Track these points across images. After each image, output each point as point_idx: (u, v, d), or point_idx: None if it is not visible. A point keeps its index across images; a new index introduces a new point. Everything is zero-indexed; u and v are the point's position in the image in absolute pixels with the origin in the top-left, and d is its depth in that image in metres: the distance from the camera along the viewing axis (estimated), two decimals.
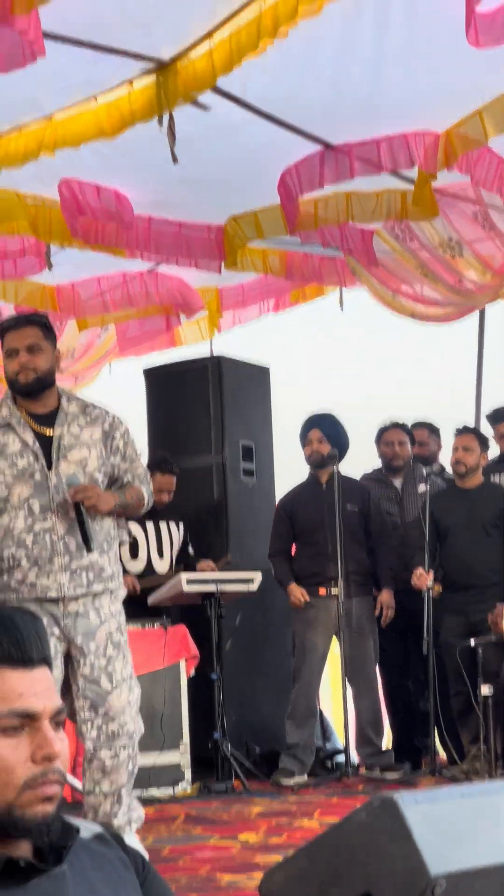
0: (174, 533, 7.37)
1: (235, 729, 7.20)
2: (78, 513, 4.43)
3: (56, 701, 1.68)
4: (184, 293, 8.02)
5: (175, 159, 4.89)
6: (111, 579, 4.59)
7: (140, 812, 4.68)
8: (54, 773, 1.64)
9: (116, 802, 4.52)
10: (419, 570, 6.84)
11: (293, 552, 7.37)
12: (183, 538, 7.42)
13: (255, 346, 9.12)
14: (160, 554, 7.29)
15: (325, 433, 7.30)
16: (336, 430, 7.38)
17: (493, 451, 7.55)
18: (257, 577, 7.09)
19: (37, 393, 4.58)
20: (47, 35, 4.12)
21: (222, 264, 7.04)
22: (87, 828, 1.77)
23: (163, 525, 7.31)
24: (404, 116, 5.42)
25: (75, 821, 1.74)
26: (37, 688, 1.66)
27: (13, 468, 4.50)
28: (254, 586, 7.08)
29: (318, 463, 7.21)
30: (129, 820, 4.58)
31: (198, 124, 5.32)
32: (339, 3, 4.23)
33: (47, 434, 4.57)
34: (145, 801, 6.30)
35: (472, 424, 8.33)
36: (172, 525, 7.38)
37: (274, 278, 8.27)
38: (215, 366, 8.06)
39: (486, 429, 7.70)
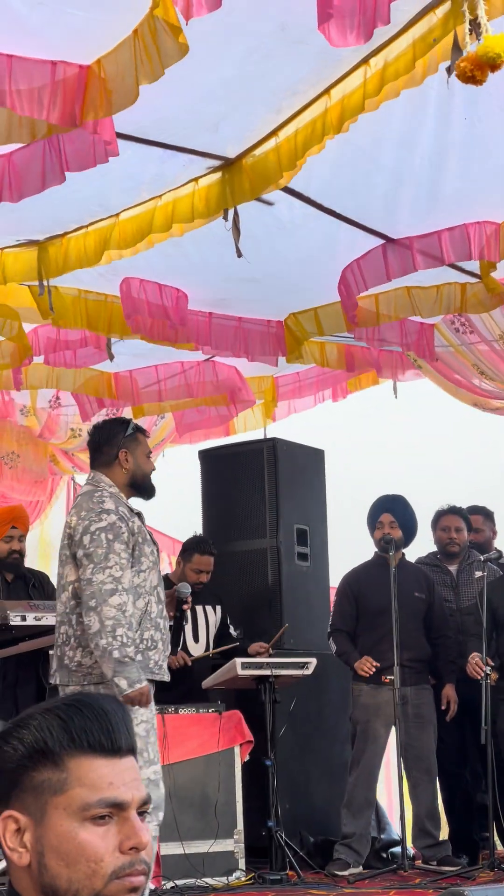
0: (210, 616, 7.39)
1: (289, 817, 7.14)
2: (178, 618, 4.98)
3: (143, 791, 1.70)
4: (236, 385, 8.10)
5: (240, 254, 4.97)
6: None
7: None
8: (141, 864, 1.66)
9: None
10: (475, 658, 6.80)
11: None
12: (221, 620, 7.44)
13: (308, 429, 9.18)
14: (195, 638, 7.30)
15: (397, 517, 7.30)
16: (407, 513, 7.38)
17: None
18: (312, 661, 7.06)
19: (152, 497, 5.13)
20: (117, 134, 4.24)
21: (280, 357, 7.12)
22: None
23: (199, 609, 7.32)
24: (464, 208, 5.49)
25: None
26: (125, 777, 1.68)
27: (152, 555, 4.93)
28: (309, 670, 7.06)
29: (387, 547, 7.17)
30: None
31: (259, 221, 5.42)
32: (402, 95, 4.31)
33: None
34: (200, 890, 6.28)
35: None
36: (209, 609, 7.40)
37: (330, 368, 8.36)
38: (270, 448, 8.09)
39: None
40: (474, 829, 7.35)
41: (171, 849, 6.41)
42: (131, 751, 1.71)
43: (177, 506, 10.40)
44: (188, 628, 7.26)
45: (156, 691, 7.11)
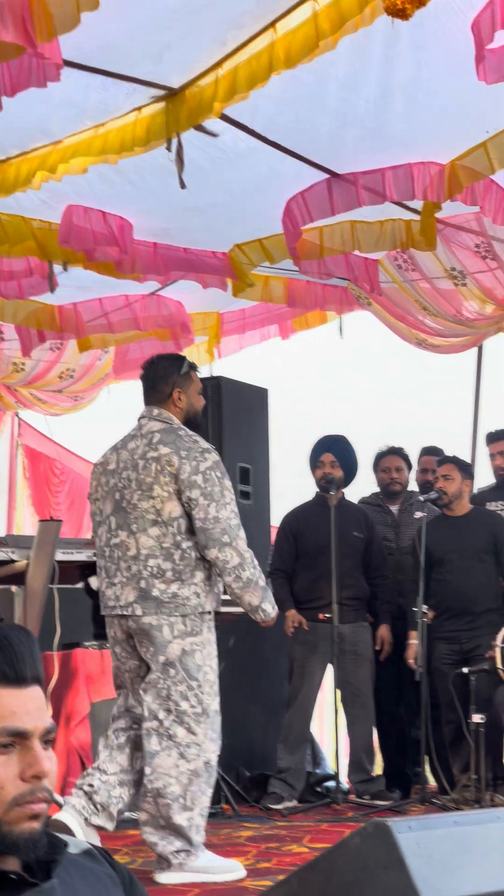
0: None
1: (226, 752, 7.14)
2: None
3: (47, 720, 1.71)
4: (182, 320, 8.07)
5: (183, 185, 4.93)
6: None
7: None
8: (42, 792, 1.69)
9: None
10: (412, 643, 6.89)
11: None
12: None
13: (253, 370, 9.17)
14: None
15: (338, 456, 7.33)
16: (347, 453, 7.41)
17: (489, 479, 7.60)
18: None
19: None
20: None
21: (231, 288, 7.08)
22: (76, 844, 1.80)
23: None
24: (409, 148, 5.48)
25: (64, 836, 1.77)
26: (29, 706, 1.70)
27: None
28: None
29: (328, 486, 7.21)
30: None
31: (205, 152, 5.38)
32: (347, 36, 4.28)
33: None
34: (134, 823, 6.32)
35: (468, 451, 8.39)
36: None
37: (276, 304, 8.33)
38: (215, 386, 8.05)
39: (484, 455, 7.75)
40: (407, 765, 7.46)
41: None
42: (37, 680, 1.72)
43: None
44: None
45: (98, 629, 7.19)
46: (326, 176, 5.73)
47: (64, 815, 4.81)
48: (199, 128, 4.99)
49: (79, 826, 4.79)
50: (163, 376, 5.17)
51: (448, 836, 2.98)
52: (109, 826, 4.90)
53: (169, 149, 4.92)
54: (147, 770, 4.86)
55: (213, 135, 5.14)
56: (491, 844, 3.06)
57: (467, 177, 5.24)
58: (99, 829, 4.89)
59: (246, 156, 5.49)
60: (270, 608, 5.04)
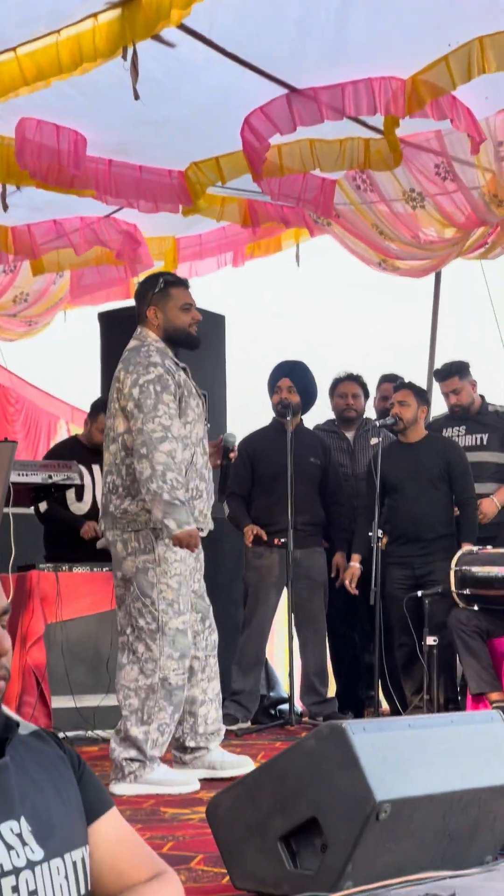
0: None
1: None
2: (226, 466, 5.17)
3: (3, 601, 1.70)
4: (137, 244, 7.97)
5: (137, 95, 4.84)
6: None
7: None
8: (2, 669, 1.67)
9: (219, 707, 5.17)
10: (352, 566, 6.99)
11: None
12: None
13: (210, 297, 9.11)
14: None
15: (295, 382, 7.30)
16: (306, 379, 7.39)
17: (445, 407, 7.61)
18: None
19: (196, 348, 5.26)
20: None
21: (182, 210, 7.00)
22: (25, 726, 1.79)
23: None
24: (370, 61, 5.40)
25: (14, 716, 1.76)
26: None
27: (197, 408, 5.08)
28: (203, 533, 7.06)
29: (284, 412, 7.18)
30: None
31: (162, 63, 5.28)
32: None
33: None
34: (90, 741, 6.36)
35: (425, 378, 8.39)
36: None
37: (232, 230, 8.25)
38: None
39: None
40: (360, 688, 7.52)
41: (63, 702, 6.47)
42: None
43: (77, 369, 10.32)
44: (98, 486, 7.24)
45: (54, 550, 7.17)
46: (285, 91, 5.64)
47: None
48: (156, 37, 4.90)
49: None
50: (141, 295, 5.27)
51: (402, 739, 3.01)
52: None
53: (125, 58, 4.82)
54: (116, 682, 5.03)
55: (171, 45, 5.05)
56: (443, 747, 3.09)
57: (428, 92, 5.19)
58: None
59: (203, 68, 5.40)
60: (174, 525, 4.85)
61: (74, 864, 1.65)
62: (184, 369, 5.16)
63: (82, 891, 1.66)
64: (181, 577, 5.00)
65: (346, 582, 7.03)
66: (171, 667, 4.92)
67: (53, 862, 1.62)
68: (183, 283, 5.31)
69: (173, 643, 4.93)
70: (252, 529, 7.15)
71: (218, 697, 5.25)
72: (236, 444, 5.27)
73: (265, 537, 7.11)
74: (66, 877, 1.63)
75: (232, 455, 5.29)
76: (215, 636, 5.27)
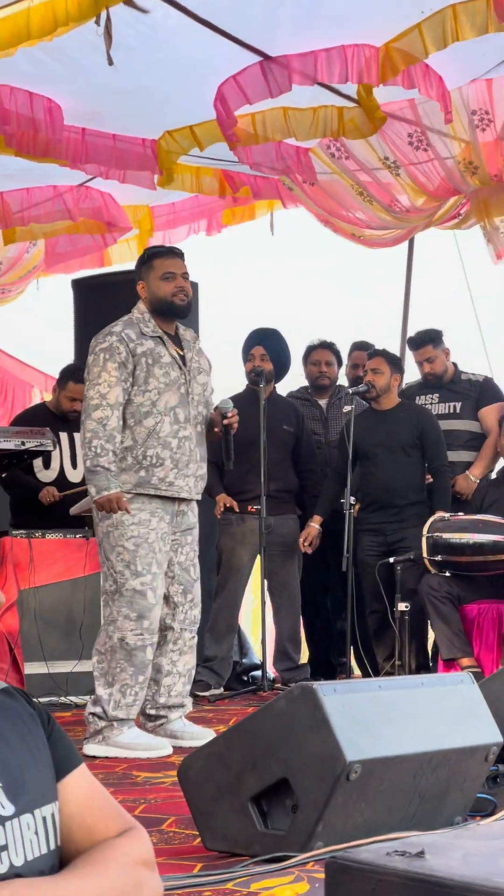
0: None
1: None
2: (226, 433, 5.18)
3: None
4: (111, 212, 7.95)
5: (111, 61, 4.82)
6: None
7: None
8: None
9: (188, 682, 5.22)
10: (312, 526, 7.09)
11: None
12: None
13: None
14: (73, 464, 7.28)
15: (269, 350, 7.30)
16: (279, 347, 7.39)
17: (418, 374, 7.63)
18: None
19: (183, 315, 5.24)
20: None
21: (156, 179, 6.97)
22: None
23: (76, 435, 7.27)
24: (344, 27, 5.38)
25: None
26: None
27: (166, 377, 5.08)
28: (188, 497, 7.05)
29: (257, 379, 7.18)
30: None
31: (135, 29, 5.25)
32: None
33: (179, 353, 5.18)
34: (64, 707, 6.39)
35: (398, 347, 8.40)
36: None
37: (206, 198, 8.22)
38: None
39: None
40: (332, 654, 7.57)
41: (36, 668, 6.49)
42: None
43: (50, 336, 10.30)
44: (66, 454, 7.24)
45: (19, 517, 7.17)
46: (259, 59, 5.62)
47: None
48: (129, 2, 4.87)
49: None
50: (135, 271, 5.40)
51: (372, 700, 3.04)
52: None
53: (98, 23, 4.79)
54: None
55: (144, 11, 5.03)
56: (414, 709, 3.12)
57: (402, 60, 5.18)
58: None
59: (176, 35, 5.37)
60: (94, 491, 4.99)
61: (44, 819, 1.67)
62: (163, 339, 5.16)
63: (52, 846, 1.68)
64: (139, 538, 5.05)
65: (301, 541, 7.07)
66: (128, 627, 4.98)
67: (24, 818, 1.63)
68: (165, 253, 5.33)
69: (130, 604, 4.99)
70: (223, 499, 7.16)
71: (189, 673, 5.29)
72: (231, 408, 5.26)
73: (237, 508, 7.13)
74: (37, 832, 1.65)
75: (228, 420, 5.26)
76: (197, 612, 5.33)
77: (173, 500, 5.17)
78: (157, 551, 5.07)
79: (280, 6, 5.29)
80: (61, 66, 5.65)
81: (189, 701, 5.34)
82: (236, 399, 7.47)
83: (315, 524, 7.12)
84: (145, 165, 6.74)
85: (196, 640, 5.31)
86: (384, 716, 2.99)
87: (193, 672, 5.36)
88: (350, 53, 5.38)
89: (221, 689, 7.05)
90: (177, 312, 5.24)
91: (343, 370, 7.97)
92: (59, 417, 7.25)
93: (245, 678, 7.44)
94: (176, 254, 5.32)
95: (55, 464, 7.20)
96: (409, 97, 6.20)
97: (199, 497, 5.33)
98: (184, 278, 5.23)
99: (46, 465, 7.17)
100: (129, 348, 5.06)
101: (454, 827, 3.13)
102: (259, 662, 7.30)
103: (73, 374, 7.22)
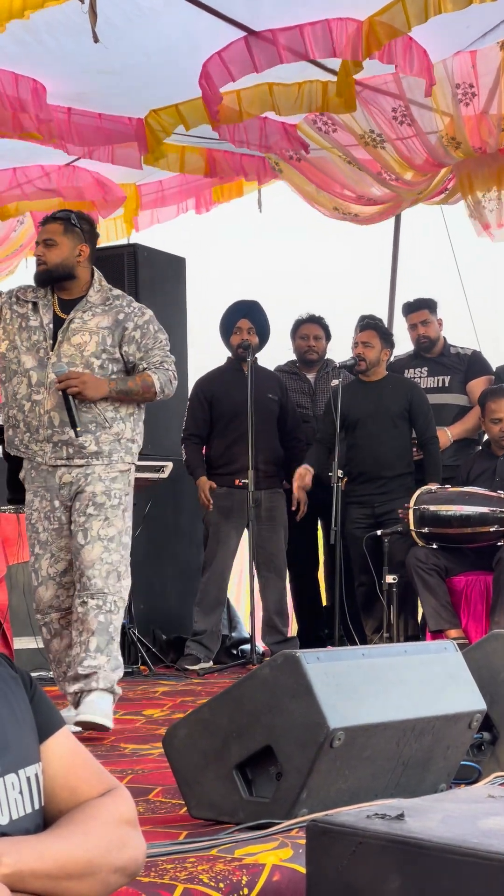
0: None
1: (143, 616, 7.30)
2: (65, 398, 4.90)
3: None
4: (104, 186, 7.94)
5: (96, 38, 4.81)
6: (98, 455, 4.95)
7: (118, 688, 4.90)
8: None
9: (86, 650, 4.75)
10: (305, 467, 7.02)
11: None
12: None
13: (172, 243, 9.10)
14: None
15: (255, 323, 7.31)
16: (263, 319, 7.41)
17: (405, 348, 7.66)
18: (168, 465, 7.10)
19: (51, 282, 5.00)
20: None
21: (142, 159, 6.96)
22: None
23: None
24: (327, 3, 5.38)
25: None
26: None
27: (28, 340, 5.00)
28: (164, 474, 7.10)
29: (246, 353, 7.15)
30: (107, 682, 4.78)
31: (119, 7, 5.24)
32: None
33: (63, 318, 5.00)
34: (52, 682, 6.39)
35: (385, 322, 8.41)
36: None
37: (194, 176, 8.21)
38: (131, 254, 7.97)
39: (401, 326, 7.79)
40: (321, 627, 7.61)
41: (25, 643, 6.52)
42: None
43: None
44: None
45: (12, 494, 7.16)
46: (243, 34, 5.62)
47: None
48: None
49: None
50: None
51: (356, 668, 3.07)
52: None
53: (83, 0, 4.78)
54: None
55: None
56: (397, 676, 3.16)
57: (386, 33, 5.18)
58: None
59: (161, 12, 5.36)
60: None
61: (28, 779, 1.70)
62: (38, 304, 4.99)
63: (36, 806, 1.71)
64: (28, 520, 5.11)
65: (294, 484, 7.05)
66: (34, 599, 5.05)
67: (8, 777, 1.67)
68: (43, 222, 5.20)
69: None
70: (205, 484, 7.16)
71: (86, 641, 4.78)
72: (63, 372, 4.90)
73: (214, 486, 7.14)
74: (21, 792, 1.68)
75: (58, 385, 4.88)
76: (84, 578, 4.84)
77: (53, 474, 4.97)
78: (39, 531, 5.03)
79: None
80: (44, 49, 5.63)
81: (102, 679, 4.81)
82: (219, 372, 7.49)
83: (306, 470, 7.07)
84: (132, 143, 6.73)
85: (95, 604, 4.78)
86: (368, 683, 3.02)
87: (96, 641, 4.77)
88: (335, 27, 5.38)
89: (211, 663, 7.08)
90: (37, 281, 5.04)
91: (329, 345, 7.95)
92: None
93: (234, 652, 7.48)
94: (50, 219, 5.12)
95: None
96: (394, 71, 6.20)
97: (67, 462, 4.94)
98: (45, 245, 5.01)
99: None
100: (11, 309, 5.02)
101: (438, 794, 3.17)
102: (248, 636, 7.34)
103: None
